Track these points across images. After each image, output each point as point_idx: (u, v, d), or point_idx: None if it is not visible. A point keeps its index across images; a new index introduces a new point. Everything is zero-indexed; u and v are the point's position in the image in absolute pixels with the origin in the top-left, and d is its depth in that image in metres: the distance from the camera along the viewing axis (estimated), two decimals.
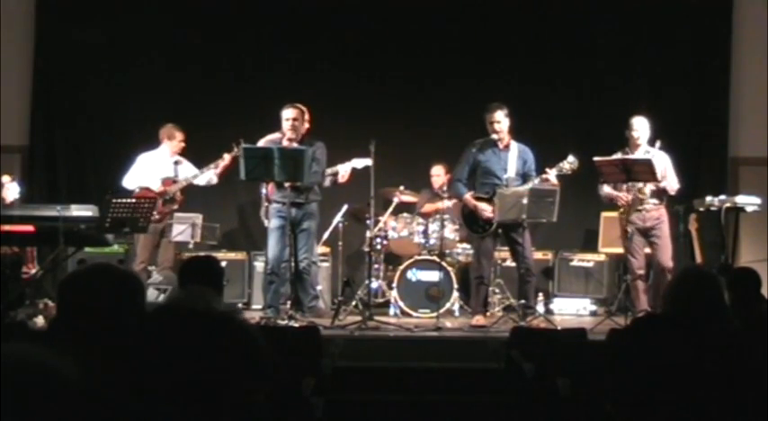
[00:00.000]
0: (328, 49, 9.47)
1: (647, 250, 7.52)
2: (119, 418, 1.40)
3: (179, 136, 8.22)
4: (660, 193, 7.42)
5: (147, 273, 7.90)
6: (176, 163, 8.23)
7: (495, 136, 7.44)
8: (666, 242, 7.43)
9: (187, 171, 8.22)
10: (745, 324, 3.61)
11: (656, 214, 7.41)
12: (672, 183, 7.43)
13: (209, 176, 8.16)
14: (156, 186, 8.02)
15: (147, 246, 8.01)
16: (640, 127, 7.46)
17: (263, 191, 8.01)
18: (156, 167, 8.13)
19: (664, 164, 7.44)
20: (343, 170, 7.45)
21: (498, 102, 7.55)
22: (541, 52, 9.48)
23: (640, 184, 7.35)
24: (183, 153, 8.31)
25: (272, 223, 7.28)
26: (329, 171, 7.51)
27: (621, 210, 7.49)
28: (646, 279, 7.51)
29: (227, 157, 7.98)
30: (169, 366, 1.53)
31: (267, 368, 1.62)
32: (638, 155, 7.37)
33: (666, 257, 7.35)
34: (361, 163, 7.49)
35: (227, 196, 9.19)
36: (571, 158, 7.31)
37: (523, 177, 7.46)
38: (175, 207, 8.13)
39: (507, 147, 7.50)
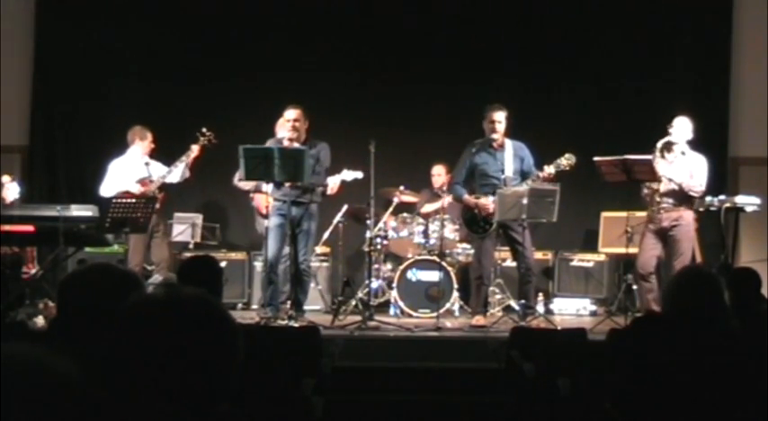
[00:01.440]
0: (328, 49, 9.47)
1: (666, 252, 7.46)
2: (118, 418, 1.40)
3: (149, 136, 8.23)
4: (680, 194, 7.36)
5: (143, 274, 7.89)
6: (146, 164, 8.22)
7: (495, 136, 7.44)
8: (682, 246, 7.27)
9: (158, 170, 8.20)
10: (745, 324, 3.61)
11: (674, 215, 7.32)
12: (693, 184, 7.33)
13: (181, 171, 8.12)
14: (135, 189, 8.00)
15: (139, 248, 7.98)
16: (678, 125, 7.41)
17: (255, 204, 8.02)
18: (129, 171, 8.11)
19: (694, 165, 7.39)
20: (332, 182, 7.38)
21: (498, 103, 7.55)
22: (542, 53, 9.47)
23: (656, 185, 7.33)
24: (153, 154, 8.29)
25: (272, 221, 7.26)
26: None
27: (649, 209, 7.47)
28: (652, 280, 7.42)
29: (195, 148, 7.99)
30: (149, 358, 1.54)
31: (238, 347, 1.63)
32: (672, 155, 7.35)
33: (680, 261, 7.17)
34: (350, 175, 7.45)
35: (227, 196, 9.19)
36: (568, 155, 7.32)
37: (523, 175, 7.45)
38: (157, 206, 8.10)
39: (502, 146, 7.49)
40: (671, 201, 7.33)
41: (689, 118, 7.47)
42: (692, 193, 7.36)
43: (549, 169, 7.30)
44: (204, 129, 8.03)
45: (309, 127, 7.39)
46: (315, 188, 7.32)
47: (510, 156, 7.47)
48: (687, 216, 7.37)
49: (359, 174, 7.43)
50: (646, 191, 7.47)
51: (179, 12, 9.46)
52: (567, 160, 7.31)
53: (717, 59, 9.43)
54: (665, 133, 7.45)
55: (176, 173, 8.09)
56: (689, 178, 7.33)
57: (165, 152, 8.42)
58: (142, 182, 8.04)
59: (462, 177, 7.59)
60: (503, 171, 7.44)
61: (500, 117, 7.42)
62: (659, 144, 7.36)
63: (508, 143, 7.50)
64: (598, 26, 9.46)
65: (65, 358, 1.17)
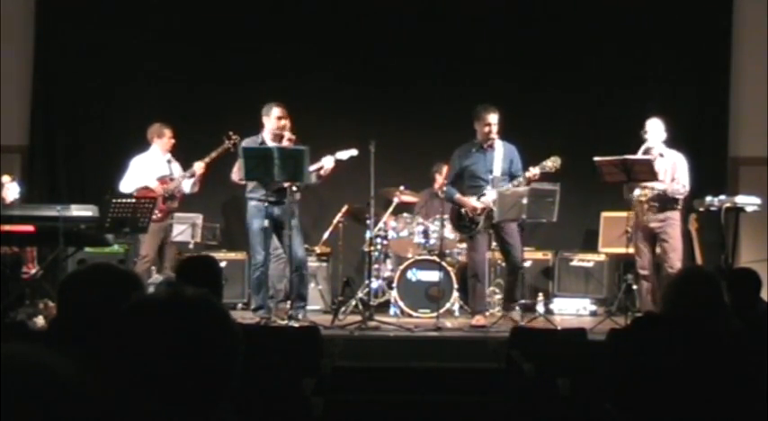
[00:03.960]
0: (328, 49, 9.47)
1: (659, 251, 7.49)
2: (118, 418, 1.40)
3: (168, 133, 8.21)
4: (665, 198, 7.36)
5: (149, 272, 7.89)
6: (169, 161, 8.23)
7: (493, 136, 7.44)
8: (674, 244, 7.35)
9: (179, 170, 8.21)
10: (745, 324, 3.60)
11: (660, 216, 7.37)
12: (677, 187, 7.37)
13: (189, 186, 8.12)
14: (155, 185, 8.01)
15: (153, 245, 7.96)
16: (651, 128, 7.44)
17: None
18: (151, 168, 8.11)
19: (676, 165, 7.42)
20: (328, 163, 7.44)
21: (491, 104, 7.54)
22: (540, 53, 9.48)
23: (646, 188, 7.33)
24: (174, 150, 8.30)
25: (256, 224, 7.26)
26: (313, 167, 7.44)
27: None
28: (651, 280, 7.46)
29: (200, 166, 7.97)
30: (150, 358, 1.54)
31: (239, 347, 1.63)
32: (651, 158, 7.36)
33: (673, 259, 7.28)
34: (345, 154, 7.50)
35: (227, 196, 9.18)
36: (554, 158, 7.35)
37: (510, 177, 7.46)
38: (176, 205, 8.12)
39: (492, 146, 7.50)
40: (657, 204, 7.35)
41: (660, 118, 7.52)
42: (677, 196, 7.39)
43: (534, 170, 7.33)
44: (231, 133, 7.97)
45: (293, 125, 7.35)
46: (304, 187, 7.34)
47: (500, 156, 7.47)
48: (673, 215, 7.43)
49: (353, 152, 7.47)
50: (630, 194, 7.48)
51: (178, 11, 9.46)
52: (552, 162, 7.33)
53: (717, 59, 9.43)
54: (643, 129, 7.47)
55: (185, 185, 8.11)
56: (670, 181, 7.35)
57: None
58: (162, 180, 8.05)
59: (452, 179, 7.65)
60: (491, 171, 7.45)
61: (494, 119, 7.42)
62: (641, 151, 7.37)
63: (499, 144, 7.50)
64: (597, 26, 9.45)
65: (65, 358, 1.17)
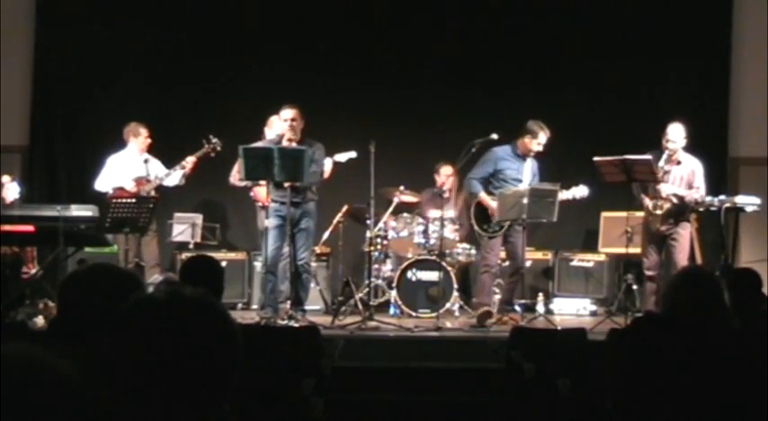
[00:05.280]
0: (328, 48, 9.47)
1: (666, 250, 7.49)
2: (118, 418, 1.40)
3: (144, 132, 8.22)
4: (681, 207, 7.35)
5: (140, 270, 7.89)
6: (146, 161, 8.23)
7: (535, 152, 7.55)
8: (684, 244, 7.36)
9: (157, 169, 8.21)
10: (745, 324, 3.61)
11: (672, 220, 7.37)
12: (697, 196, 7.38)
13: (177, 178, 8.12)
14: (130, 186, 8.01)
15: (131, 245, 7.96)
16: (672, 134, 7.40)
17: (258, 204, 8.01)
18: (127, 167, 8.12)
19: (692, 170, 7.41)
20: (326, 165, 7.44)
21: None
22: (541, 52, 9.47)
23: (662, 197, 7.31)
24: (151, 149, 8.29)
25: (271, 222, 7.26)
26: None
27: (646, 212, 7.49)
28: (657, 281, 7.45)
29: (191, 161, 7.97)
30: (150, 358, 1.54)
31: (239, 347, 1.64)
32: (669, 165, 7.34)
33: (682, 259, 7.27)
34: (343, 156, 7.53)
35: (226, 196, 9.18)
36: (582, 186, 7.49)
37: None
38: (150, 206, 8.09)
39: (527, 157, 7.61)
40: (672, 216, 7.32)
41: (681, 122, 7.46)
42: (693, 204, 7.39)
43: (567, 195, 7.45)
44: (211, 137, 8.00)
45: (305, 127, 7.36)
46: (311, 186, 7.32)
47: (529, 168, 7.65)
48: (685, 217, 7.40)
49: (352, 154, 7.49)
50: (640, 193, 7.47)
51: (178, 12, 9.46)
52: (580, 192, 7.49)
53: (717, 59, 9.43)
54: (664, 134, 7.44)
55: (174, 177, 8.10)
56: (688, 189, 7.34)
57: (164, 152, 8.43)
58: (138, 181, 8.05)
59: (482, 175, 7.65)
60: (520, 180, 7.55)
61: (545, 139, 7.53)
62: (663, 159, 7.31)
63: (529, 158, 7.62)
64: (599, 26, 9.45)
65: (65, 358, 1.17)
